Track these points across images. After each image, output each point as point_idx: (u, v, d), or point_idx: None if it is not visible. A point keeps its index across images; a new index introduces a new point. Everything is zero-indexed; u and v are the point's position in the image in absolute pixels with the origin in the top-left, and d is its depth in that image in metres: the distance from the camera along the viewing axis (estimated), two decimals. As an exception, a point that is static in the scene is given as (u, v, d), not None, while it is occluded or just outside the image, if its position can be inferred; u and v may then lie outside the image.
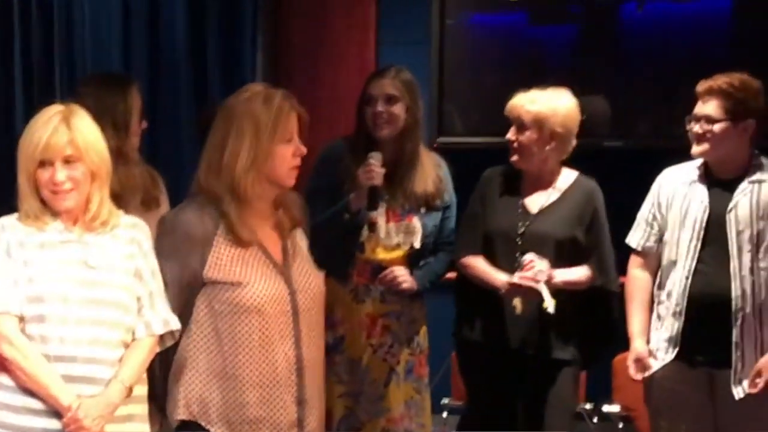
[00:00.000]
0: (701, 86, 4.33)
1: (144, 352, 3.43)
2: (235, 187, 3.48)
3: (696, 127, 4.29)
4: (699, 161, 4.39)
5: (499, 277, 4.37)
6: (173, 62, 6.47)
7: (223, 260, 3.47)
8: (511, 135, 4.44)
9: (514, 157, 4.45)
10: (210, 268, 3.46)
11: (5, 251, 3.34)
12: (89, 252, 3.37)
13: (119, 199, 4.05)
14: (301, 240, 3.72)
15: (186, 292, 3.48)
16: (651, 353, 4.37)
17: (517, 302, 4.34)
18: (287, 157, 3.53)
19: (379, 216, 4.44)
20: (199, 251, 3.46)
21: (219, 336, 3.47)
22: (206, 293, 3.48)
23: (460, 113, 6.50)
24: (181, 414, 3.48)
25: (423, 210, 4.58)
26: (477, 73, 6.46)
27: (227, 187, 3.48)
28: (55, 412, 3.29)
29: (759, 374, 4.18)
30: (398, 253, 4.55)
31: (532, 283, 4.24)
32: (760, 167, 4.33)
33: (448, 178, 4.69)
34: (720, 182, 4.32)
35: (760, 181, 4.29)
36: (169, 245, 3.48)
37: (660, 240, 4.42)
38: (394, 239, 4.53)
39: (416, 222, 4.55)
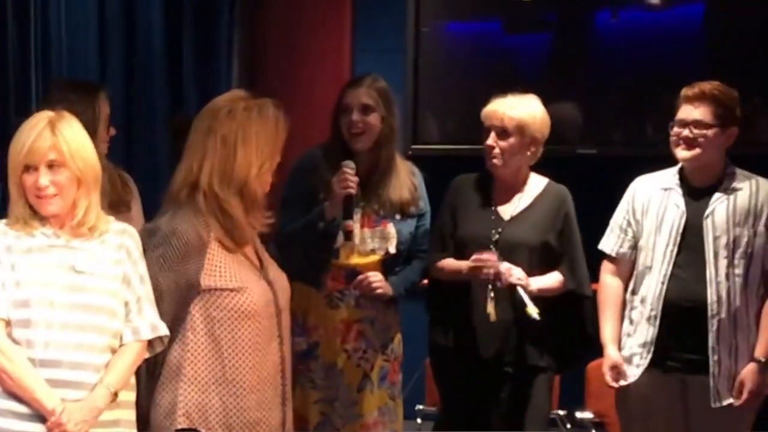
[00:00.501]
0: (689, 91, 4.33)
1: (131, 357, 3.41)
2: (247, 192, 3.52)
3: (685, 132, 4.28)
4: (674, 169, 4.41)
5: (463, 263, 4.40)
6: (149, 69, 6.47)
7: (218, 267, 3.50)
8: (491, 141, 4.42)
9: (495, 162, 4.44)
10: (207, 276, 3.48)
11: None
12: (76, 257, 3.37)
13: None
14: (259, 242, 3.74)
15: (180, 300, 3.48)
16: (625, 360, 4.38)
17: (491, 309, 4.34)
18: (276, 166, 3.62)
19: (355, 223, 4.45)
20: (196, 259, 3.47)
21: (217, 342, 3.49)
22: (203, 301, 3.49)
23: (435, 121, 6.53)
24: (180, 423, 3.47)
25: (398, 217, 4.59)
26: (452, 81, 6.48)
27: (236, 191, 3.51)
28: (40, 416, 3.28)
29: (742, 385, 4.21)
30: (373, 259, 4.57)
31: (488, 264, 4.29)
32: (733, 176, 4.35)
33: (423, 186, 4.70)
34: (696, 190, 4.34)
35: (735, 189, 4.31)
36: (164, 255, 3.47)
37: (634, 246, 4.42)
38: (369, 245, 4.54)
39: (391, 228, 4.57)
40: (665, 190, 4.39)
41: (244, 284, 3.52)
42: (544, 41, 6.50)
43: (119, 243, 3.44)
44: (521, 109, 4.41)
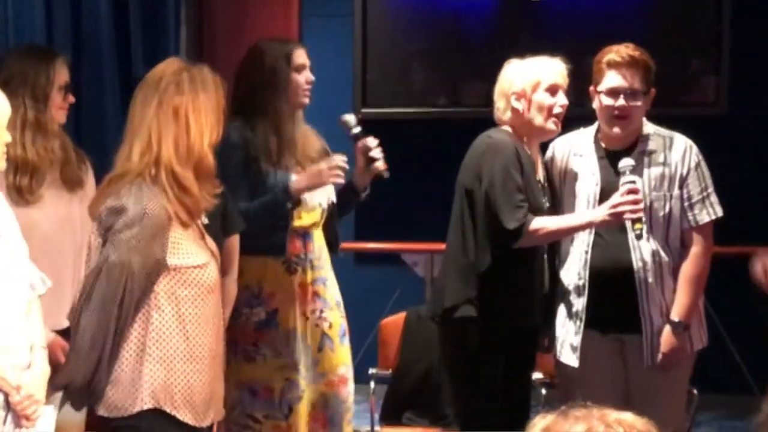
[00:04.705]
0: (616, 56, 4.20)
1: (39, 311, 3.47)
2: (201, 164, 3.54)
3: (620, 101, 4.17)
4: (589, 131, 4.35)
5: (594, 214, 4.14)
6: (96, 38, 6.42)
7: (181, 244, 3.51)
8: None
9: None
10: (173, 254, 3.48)
11: None
12: None
13: (35, 170, 4.12)
14: None
15: (147, 280, 3.46)
16: (559, 333, 4.35)
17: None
18: None
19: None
20: (162, 238, 3.47)
21: (182, 320, 3.49)
22: (168, 278, 3.48)
23: (383, 84, 6.55)
24: (146, 403, 3.45)
25: None
26: (399, 45, 6.52)
27: (192, 165, 3.52)
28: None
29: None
30: (319, 212, 4.59)
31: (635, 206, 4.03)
32: (648, 138, 4.27)
33: None
34: (611, 153, 4.24)
35: (650, 152, 4.25)
36: (136, 236, 3.43)
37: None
38: (315, 200, 4.56)
39: None
40: (581, 155, 4.32)
41: (206, 260, 3.55)
42: (490, 3, 6.54)
43: None
44: None
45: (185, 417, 3.49)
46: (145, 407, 3.45)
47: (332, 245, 4.72)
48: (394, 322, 5.32)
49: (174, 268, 3.48)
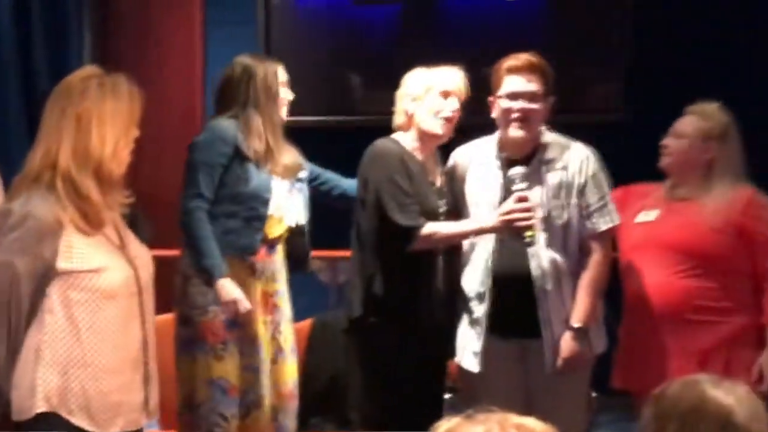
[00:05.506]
0: (516, 62, 4.28)
1: None
2: (103, 172, 3.50)
3: (519, 104, 4.23)
4: (492, 139, 4.40)
5: (485, 220, 4.24)
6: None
7: (75, 249, 3.46)
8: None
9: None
10: (64, 258, 3.44)
11: None
12: None
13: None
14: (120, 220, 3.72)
15: (38, 284, 3.42)
16: (463, 339, 4.40)
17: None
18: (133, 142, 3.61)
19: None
20: (51, 242, 3.42)
21: (76, 325, 3.46)
22: (61, 283, 3.45)
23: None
24: (40, 406, 3.43)
25: (297, 184, 4.73)
26: (303, 53, 6.54)
27: (92, 172, 3.48)
28: None
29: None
30: (286, 228, 4.67)
31: (525, 213, 4.11)
32: (547, 146, 4.33)
33: None
34: (511, 162, 4.26)
35: (549, 161, 4.31)
36: (19, 238, 3.40)
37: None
38: (287, 216, 4.66)
39: (297, 193, 4.72)
40: (480, 165, 4.39)
41: (103, 265, 3.49)
42: (393, 12, 6.59)
43: None
44: None
45: (81, 422, 3.46)
46: (40, 410, 3.42)
47: (302, 262, 4.79)
48: (300, 329, 5.32)
49: (65, 271, 3.44)
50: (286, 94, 4.70)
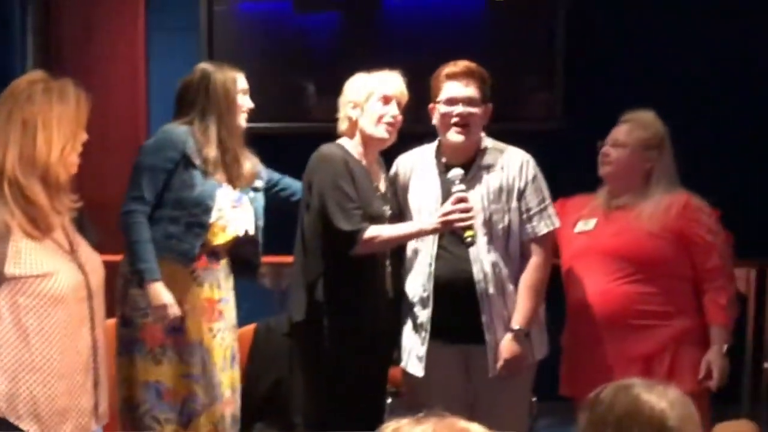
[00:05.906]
0: (454, 68, 4.35)
1: None
2: (49, 177, 3.52)
3: (458, 109, 4.29)
4: (431, 147, 4.48)
5: (426, 222, 4.31)
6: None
7: (23, 254, 3.47)
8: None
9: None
10: (11, 264, 3.45)
11: None
12: None
13: None
14: (70, 224, 3.73)
15: None
16: (406, 344, 4.45)
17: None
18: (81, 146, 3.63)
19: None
20: None
21: (24, 330, 3.47)
22: (9, 288, 3.46)
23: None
24: None
25: (251, 194, 4.76)
26: (245, 61, 6.54)
27: (39, 177, 3.51)
28: None
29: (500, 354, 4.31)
30: (233, 237, 4.68)
31: (464, 214, 4.17)
32: (485, 151, 4.40)
33: None
34: (451, 167, 4.31)
35: (488, 167, 4.37)
36: None
37: None
38: (234, 226, 4.67)
39: (247, 202, 4.75)
40: (422, 170, 4.45)
41: (51, 269, 3.50)
42: (333, 20, 6.62)
43: None
44: None
45: (30, 427, 3.48)
46: None
47: (251, 271, 4.84)
48: (244, 334, 5.34)
49: (13, 277, 3.45)
50: (245, 102, 4.72)
